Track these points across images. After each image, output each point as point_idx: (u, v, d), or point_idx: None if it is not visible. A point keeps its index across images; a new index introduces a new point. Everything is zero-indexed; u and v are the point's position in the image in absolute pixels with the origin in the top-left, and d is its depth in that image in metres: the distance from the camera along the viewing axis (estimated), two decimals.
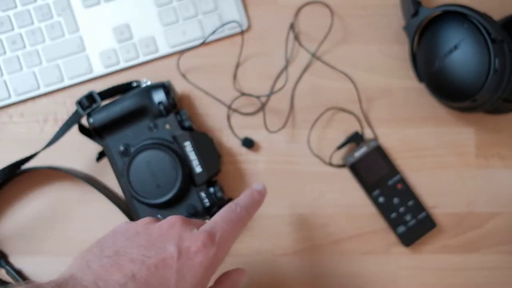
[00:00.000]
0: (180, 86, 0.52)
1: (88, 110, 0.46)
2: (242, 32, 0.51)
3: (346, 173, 0.51)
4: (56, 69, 0.51)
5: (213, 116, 0.52)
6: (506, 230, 0.51)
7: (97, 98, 0.46)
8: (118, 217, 0.50)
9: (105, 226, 0.51)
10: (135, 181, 0.46)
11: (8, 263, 0.51)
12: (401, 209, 0.50)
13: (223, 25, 0.51)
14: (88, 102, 0.46)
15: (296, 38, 0.52)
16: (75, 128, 0.48)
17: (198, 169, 0.46)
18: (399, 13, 0.51)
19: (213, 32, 0.51)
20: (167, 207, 0.46)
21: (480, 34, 0.43)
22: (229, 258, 0.51)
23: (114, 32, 0.52)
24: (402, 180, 0.50)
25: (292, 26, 0.52)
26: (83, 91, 0.52)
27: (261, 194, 0.41)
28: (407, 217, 0.50)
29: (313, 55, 0.52)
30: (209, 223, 0.36)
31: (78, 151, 0.51)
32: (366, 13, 0.52)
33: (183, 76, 0.52)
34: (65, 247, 0.51)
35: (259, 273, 0.51)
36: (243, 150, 0.51)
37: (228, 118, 0.52)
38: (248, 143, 0.51)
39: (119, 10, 0.52)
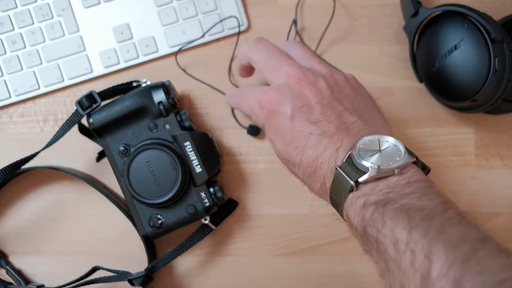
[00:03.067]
0: (180, 86, 0.52)
1: (88, 110, 0.46)
2: (238, 33, 0.51)
3: None
4: (56, 69, 0.51)
5: (213, 116, 0.52)
6: (506, 230, 0.51)
7: (97, 98, 0.46)
8: (118, 217, 0.50)
9: (105, 226, 0.51)
10: (135, 181, 0.46)
11: (8, 263, 0.51)
12: None
13: (221, 20, 0.51)
14: (88, 102, 0.46)
15: (299, 35, 0.52)
16: (75, 128, 0.48)
17: (198, 169, 0.46)
18: (399, 13, 0.51)
19: (213, 26, 0.51)
20: (167, 207, 0.46)
21: (480, 34, 0.43)
22: (229, 258, 0.51)
23: (114, 32, 0.52)
24: None
25: (294, 22, 0.52)
26: (83, 91, 0.52)
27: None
28: None
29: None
30: None
31: (78, 151, 0.51)
32: (366, 13, 0.52)
33: (184, 71, 0.52)
34: (65, 247, 0.51)
35: (259, 273, 0.51)
36: (243, 150, 0.51)
37: (233, 110, 0.51)
38: (254, 131, 0.51)
39: (119, 10, 0.52)
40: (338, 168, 0.34)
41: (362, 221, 0.32)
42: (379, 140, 0.34)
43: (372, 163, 0.33)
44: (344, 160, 0.34)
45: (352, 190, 0.33)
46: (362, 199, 0.33)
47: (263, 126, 0.40)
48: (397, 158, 0.33)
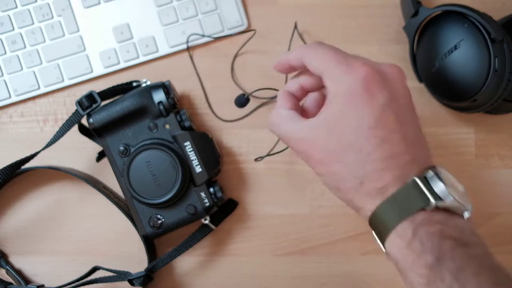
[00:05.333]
0: (180, 86, 0.52)
1: (88, 110, 0.46)
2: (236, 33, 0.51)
3: None
4: (56, 69, 0.51)
5: (213, 116, 0.52)
6: (506, 230, 0.51)
7: (97, 98, 0.46)
8: (118, 217, 0.50)
9: (105, 226, 0.51)
10: (135, 181, 0.46)
11: (8, 263, 0.51)
12: None
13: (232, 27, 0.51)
14: (88, 102, 0.46)
15: (301, 37, 0.52)
16: (75, 128, 0.48)
17: (198, 169, 0.46)
18: (399, 13, 0.51)
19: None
20: (167, 207, 0.46)
21: (480, 34, 0.43)
22: (229, 258, 0.52)
23: (114, 32, 0.52)
24: None
25: (296, 26, 0.52)
26: (83, 91, 0.52)
27: None
28: None
29: None
30: None
31: (78, 151, 0.51)
32: (366, 13, 0.52)
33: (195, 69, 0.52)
34: (65, 247, 0.51)
35: (259, 273, 0.51)
36: (243, 150, 0.51)
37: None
38: (240, 102, 0.46)
39: (119, 10, 0.52)
40: (417, 179, 0.32)
41: (437, 251, 0.30)
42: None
43: (452, 194, 0.32)
44: (422, 176, 0.32)
45: (423, 209, 0.31)
46: (439, 226, 0.31)
47: None
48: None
